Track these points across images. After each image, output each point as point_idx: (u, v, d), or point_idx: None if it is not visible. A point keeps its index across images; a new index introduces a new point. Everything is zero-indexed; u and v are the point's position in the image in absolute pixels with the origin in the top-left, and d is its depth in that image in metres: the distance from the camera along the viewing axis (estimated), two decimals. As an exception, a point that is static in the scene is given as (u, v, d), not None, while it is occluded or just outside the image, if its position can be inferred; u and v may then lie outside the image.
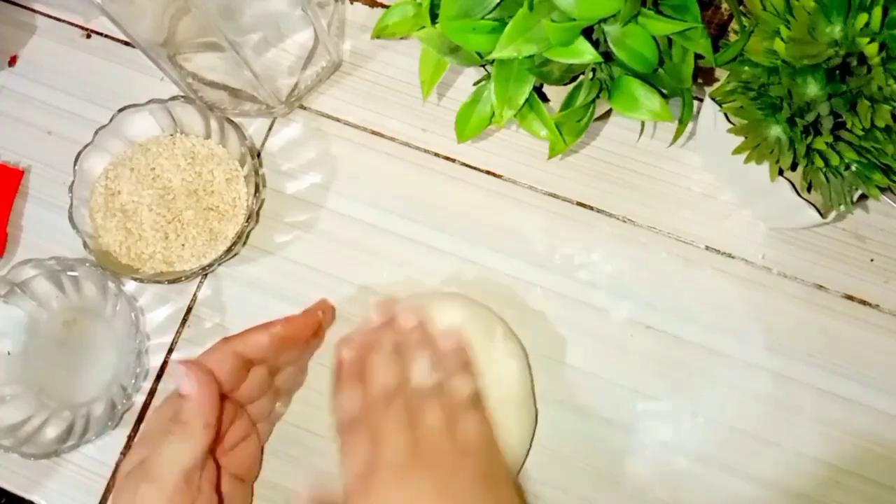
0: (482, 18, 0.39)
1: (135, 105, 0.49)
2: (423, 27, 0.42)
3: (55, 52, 0.55)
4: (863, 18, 0.34)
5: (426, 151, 0.51)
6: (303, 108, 0.52)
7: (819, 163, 0.39)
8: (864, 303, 0.48)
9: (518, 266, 0.49)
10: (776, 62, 0.38)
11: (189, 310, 0.50)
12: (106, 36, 0.55)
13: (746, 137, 0.41)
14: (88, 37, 0.55)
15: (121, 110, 0.49)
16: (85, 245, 0.47)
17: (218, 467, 0.42)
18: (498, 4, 0.39)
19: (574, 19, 0.37)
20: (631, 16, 0.37)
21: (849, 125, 0.37)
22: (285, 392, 0.47)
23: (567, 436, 0.46)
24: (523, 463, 0.45)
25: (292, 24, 0.49)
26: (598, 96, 0.41)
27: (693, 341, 0.47)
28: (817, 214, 0.42)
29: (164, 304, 0.50)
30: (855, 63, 0.35)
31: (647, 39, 0.38)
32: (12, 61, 0.55)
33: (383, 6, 0.54)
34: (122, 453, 0.48)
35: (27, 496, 0.48)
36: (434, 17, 0.41)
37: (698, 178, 0.50)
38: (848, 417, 0.46)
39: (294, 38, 0.50)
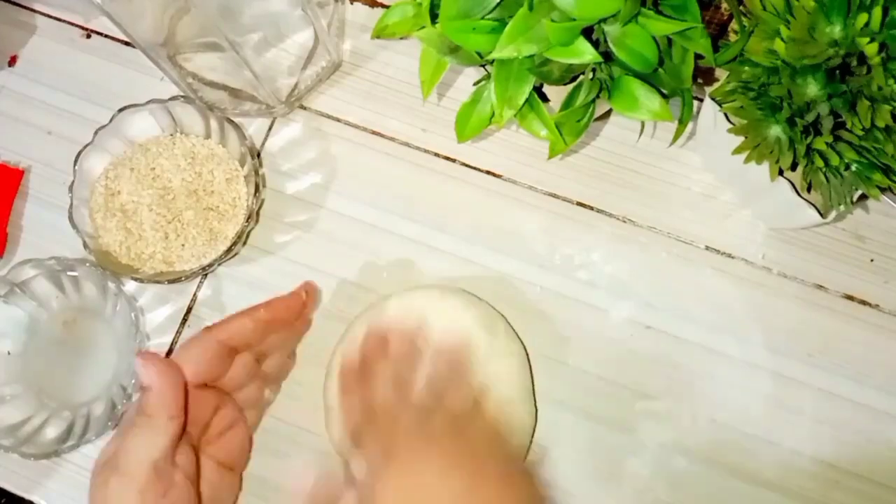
0: (482, 18, 0.39)
1: (135, 105, 0.49)
2: (423, 27, 0.42)
3: (55, 52, 0.55)
4: (863, 18, 0.34)
5: (426, 151, 0.51)
6: (303, 108, 0.52)
7: (819, 163, 0.39)
8: (864, 303, 0.48)
9: (518, 266, 0.49)
10: (776, 62, 0.38)
11: (189, 310, 0.50)
12: (106, 36, 0.55)
13: (746, 137, 0.41)
14: (88, 37, 0.55)
15: (121, 110, 0.49)
16: (85, 245, 0.47)
17: (200, 457, 0.42)
18: (498, 4, 0.39)
19: (574, 19, 0.37)
20: (631, 16, 0.37)
21: (849, 125, 0.37)
22: (274, 378, 0.47)
23: (567, 436, 0.46)
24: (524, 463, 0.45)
25: (292, 24, 0.49)
26: (598, 96, 0.41)
27: (693, 341, 0.47)
28: (817, 214, 0.42)
29: (164, 304, 0.50)
30: (855, 63, 0.35)
31: (647, 39, 0.38)
32: (12, 61, 0.55)
33: (383, 6, 0.54)
34: (122, 453, 0.48)
35: (27, 496, 0.48)
36: (434, 17, 0.41)
37: (698, 178, 0.50)
38: (848, 417, 0.46)
39: (294, 38, 0.50)
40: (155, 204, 0.49)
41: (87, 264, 0.48)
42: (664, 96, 0.40)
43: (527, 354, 0.46)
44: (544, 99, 0.44)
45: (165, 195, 0.49)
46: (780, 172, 0.41)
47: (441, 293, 0.47)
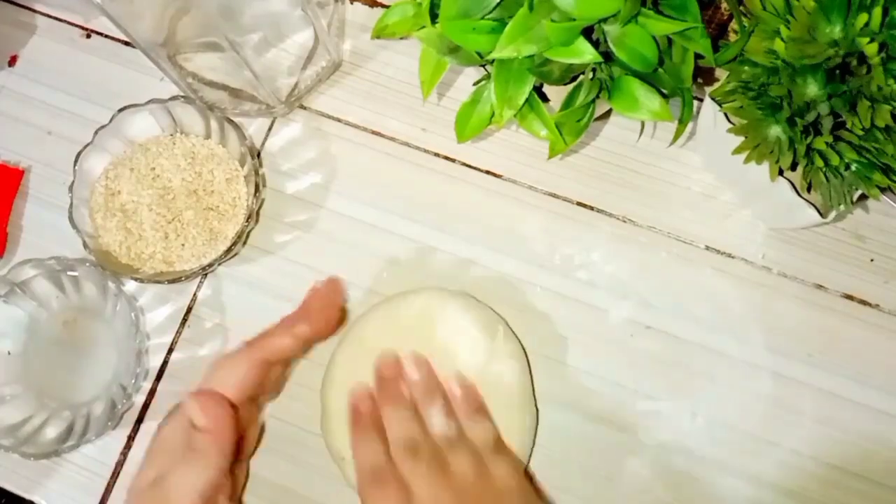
0: (482, 18, 0.39)
1: (135, 105, 0.49)
2: (423, 27, 0.42)
3: (55, 52, 0.55)
4: (863, 18, 0.34)
5: (426, 151, 0.51)
6: (303, 108, 0.52)
7: (819, 163, 0.39)
8: (864, 303, 0.48)
9: (518, 266, 0.49)
10: (776, 62, 0.38)
11: (189, 310, 0.50)
12: (106, 36, 0.55)
13: (746, 137, 0.41)
14: (88, 37, 0.55)
15: (121, 110, 0.49)
16: (85, 245, 0.47)
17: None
18: (498, 4, 0.39)
19: (574, 19, 0.37)
20: (631, 16, 0.37)
21: (849, 125, 0.37)
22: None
23: (567, 436, 0.46)
24: (527, 464, 0.45)
25: (292, 24, 0.49)
26: (598, 96, 0.41)
27: (693, 341, 0.47)
28: (817, 214, 0.42)
29: (164, 304, 0.50)
30: (855, 63, 0.35)
31: (647, 39, 0.38)
32: (12, 61, 0.55)
33: (383, 6, 0.54)
34: (121, 453, 0.48)
35: (27, 496, 0.48)
36: (434, 17, 0.41)
37: (698, 178, 0.50)
38: (848, 417, 0.46)
39: (294, 38, 0.50)
40: (155, 204, 0.49)
41: (87, 264, 0.48)
42: (664, 96, 0.40)
43: (527, 357, 0.46)
44: (544, 99, 0.44)
45: (165, 195, 0.49)
46: (780, 172, 0.41)
47: (440, 295, 0.47)
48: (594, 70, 0.41)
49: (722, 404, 0.46)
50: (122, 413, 0.47)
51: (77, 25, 0.55)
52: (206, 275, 0.50)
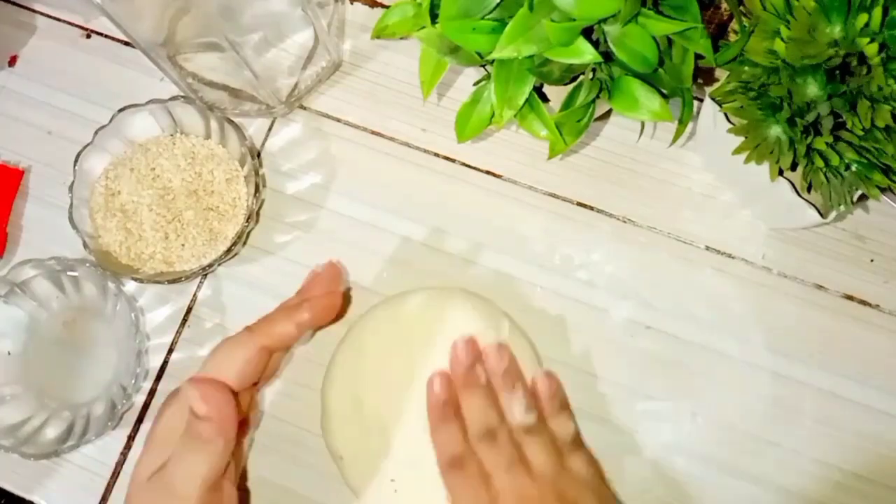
0: (482, 18, 0.39)
1: (135, 105, 0.49)
2: (423, 27, 0.42)
3: (55, 52, 0.55)
4: (863, 18, 0.34)
5: (426, 151, 0.51)
6: (303, 108, 0.52)
7: (819, 163, 0.39)
8: (864, 303, 0.48)
9: (518, 266, 0.49)
10: (776, 62, 0.38)
11: (189, 310, 0.50)
12: (106, 36, 0.55)
13: (746, 137, 0.41)
14: (88, 37, 0.55)
15: (121, 110, 0.49)
16: (85, 245, 0.47)
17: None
18: (498, 4, 0.39)
19: (574, 19, 0.37)
20: (631, 16, 0.37)
21: (849, 125, 0.37)
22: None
23: (567, 436, 0.46)
24: None
25: (292, 24, 0.49)
26: (598, 96, 0.41)
27: (693, 341, 0.47)
28: (817, 214, 0.42)
29: (164, 304, 0.50)
30: (855, 63, 0.35)
31: (647, 39, 0.38)
32: (12, 61, 0.55)
33: (383, 6, 0.54)
34: (121, 453, 0.48)
35: (27, 496, 0.48)
36: (434, 17, 0.41)
37: (698, 178, 0.50)
38: (848, 417, 0.46)
39: (294, 38, 0.50)
40: (155, 204, 0.49)
41: (87, 264, 0.48)
42: (664, 96, 0.40)
43: (534, 350, 0.46)
44: (544, 99, 0.44)
45: (165, 195, 0.49)
46: (780, 172, 0.41)
47: (440, 293, 0.47)
48: (594, 70, 0.41)
49: (722, 404, 0.46)
50: (122, 413, 0.47)
51: (77, 25, 0.55)
52: (206, 275, 0.50)
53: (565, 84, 0.41)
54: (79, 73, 0.54)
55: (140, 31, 0.43)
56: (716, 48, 0.40)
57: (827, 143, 0.38)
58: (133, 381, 0.47)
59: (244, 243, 0.50)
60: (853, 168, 0.39)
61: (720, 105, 0.42)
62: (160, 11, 0.43)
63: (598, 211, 0.50)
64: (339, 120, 0.52)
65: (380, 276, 0.49)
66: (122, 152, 0.50)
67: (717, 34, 0.50)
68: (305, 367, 0.48)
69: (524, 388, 0.43)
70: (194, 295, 0.50)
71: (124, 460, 0.48)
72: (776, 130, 0.39)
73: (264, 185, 0.51)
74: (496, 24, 0.39)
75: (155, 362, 0.49)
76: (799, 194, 0.42)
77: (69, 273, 0.48)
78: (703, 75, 0.50)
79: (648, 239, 0.49)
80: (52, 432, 0.46)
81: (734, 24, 0.49)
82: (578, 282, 0.49)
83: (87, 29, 0.55)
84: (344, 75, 0.53)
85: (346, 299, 0.48)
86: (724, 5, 0.50)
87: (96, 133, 0.48)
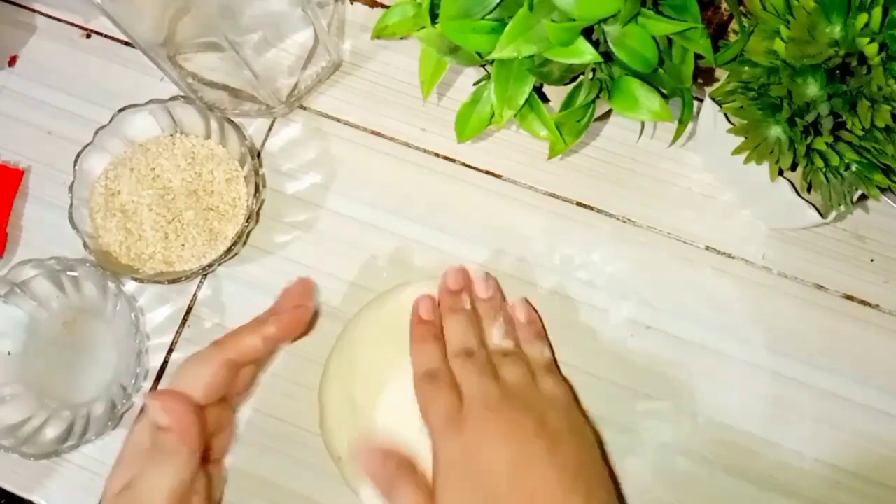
0: (482, 18, 0.39)
1: (135, 105, 0.49)
2: (423, 27, 0.42)
3: (55, 52, 0.55)
4: (863, 18, 0.34)
5: (426, 151, 0.51)
6: (303, 108, 0.52)
7: (819, 163, 0.39)
8: (864, 303, 0.48)
9: (518, 266, 0.49)
10: (776, 62, 0.38)
11: (189, 310, 0.50)
12: (106, 36, 0.55)
13: (746, 137, 0.41)
14: (88, 37, 0.55)
15: (121, 110, 0.49)
16: (85, 245, 0.47)
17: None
18: (498, 4, 0.39)
19: (574, 19, 0.37)
20: (631, 16, 0.37)
21: (849, 125, 0.37)
22: (259, 373, 0.48)
23: (567, 436, 0.46)
24: None
25: (292, 24, 0.49)
26: (598, 96, 0.41)
27: (693, 341, 0.47)
28: (817, 214, 0.42)
29: (164, 304, 0.50)
30: (855, 63, 0.35)
31: (647, 39, 0.38)
32: (12, 61, 0.55)
33: (383, 6, 0.54)
34: (122, 453, 0.48)
35: (27, 496, 0.48)
36: (434, 17, 0.41)
37: (698, 178, 0.50)
38: (848, 417, 0.46)
39: (294, 38, 0.50)
40: (155, 204, 0.49)
41: (87, 264, 0.48)
42: (664, 96, 0.40)
43: None
44: (544, 99, 0.44)
45: (165, 195, 0.49)
46: (780, 172, 0.41)
47: (429, 284, 0.47)
48: (594, 70, 0.41)
49: (722, 404, 0.46)
50: (122, 413, 0.47)
51: (77, 25, 0.55)
52: (206, 275, 0.50)
53: (565, 84, 0.41)
54: (79, 73, 0.54)
55: (140, 31, 0.43)
56: (716, 48, 0.40)
57: (827, 143, 0.38)
58: (133, 381, 0.47)
59: (244, 243, 0.50)
60: (853, 168, 0.39)
61: (720, 105, 0.42)
62: (160, 11, 0.43)
63: (598, 211, 0.50)
64: (339, 120, 0.52)
65: (379, 276, 0.49)
66: (122, 152, 0.50)
67: (717, 34, 0.50)
68: (305, 366, 0.48)
69: (505, 316, 0.45)
70: (194, 295, 0.50)
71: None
72: (776, 130, 0.39)
73: (264, 185, 0.51)
74: (496, 24, 0.39)
75: (155, 362, 0.49)
76: (799, 194, 0.42)
77: (69, 273, 0.48)
78: (703, 75, 0.50)
79: (648, 239, 0.49)
80: (52, 432, 0.46)
81: (734, 24, 0.49)
82: (578, 282, 0.49)
83: (87, 29, 0.55)
84: (344, 75, 0.53)
85: (314, 314, 0.48)
86: (724, 5, 0.50)
87: (96, 133, 0.48)
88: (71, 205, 0.47)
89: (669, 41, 0.40)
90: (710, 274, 0.48)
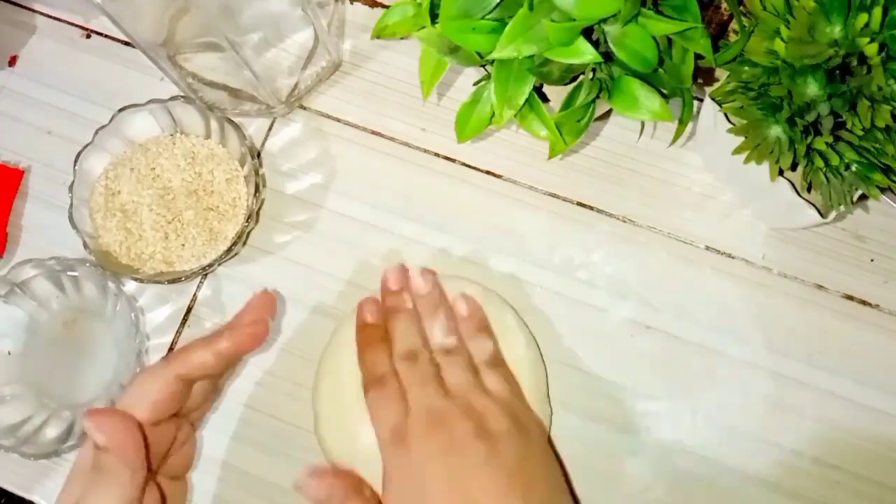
0: (482, 18, 0.39)
1: (135, 105, 0.49)
2: (423, 27, 0.42)
3: (55, 52, 0.55)
4: (863, 18, 0.34)
5: (426, 151, 0.51)
6: (303, 108, 0.52)
7: (819, 163, 0.39)
8: (864, 303, 0.48)
9: (518, 266, 0.49)
10: (776, 62, 0.38)
11: (189, 310, 0.50)
12: (106, 36, 0.55)
13: (746, 137, 0.41)
14: (88, 37, 0.55)
15: (121, 110, 0.49)
16: (85, 245, 0.47)
17: (155, 474, 0.41)
18: (498, 4, 0.39)
19: (574, 19, 0.37)
20: (631, 16, 0.37)
21: (849, 125, 0.37)
22: (222, 385, 0.48)
23: (567, 436, 0.46)
24: (548, 432, 0.45)
25: (292, 24, 0.49)
26: (598, 96, 0.41)
27: (693, 341, 0.47)
28: (817, 214, 0.42)
29: (164, 304, 0.50)
30: (855, 63, 0.35)
31: (647, 39, 0.38)
32: (12, 61, 0.55)
33: (383, 6, 0.54)
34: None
35: (27, 496, 0.48)
36: (434, 17, 0.41)
37: (698, 178, 0.50)
38: (848, 417, 0.46)
39: (294, 38, 0.50)
40: (155, 204, 0.49)
41: (87, 264, 0.48)
42: (664, 96, 0.40)
43: (538, 347, 0.46)
44: (544, 99, 0.44)
45: (165, 195, 0.49)
46: (780, 172, 0.41)
47: (453, 279, 0.47)
48: (594, 70, 0.41)
49: (722, 404, 0.46)
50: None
51: (77, 25, 0.55)
52: (206, 275, 0.50)
53: (565, 84, 0.41)
54: (79, 73, 0.54)
55: (140, 31, 0.43)
56: (716, 48, 0.40)
57: (827, 143, 0.38)
58: (133, 382, 0.47)
59: (244, 243, 0.50)
60: (853, 168, 0.39)
61: (720, 105, 0.42)
62: (160, 11, 0.43)
63: (598, 211, 0.50)
64: (339, 120, 0.52)
65: (379, 276, 0.49)
66: (122, 152, 0.50)
67: (717, 34, 0.50)
68: (305, 366, 0.48)
69: (446, 312, 0.45)
70: (194, 295, 0.50)
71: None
72: (776, 130, 0.39)
73: (264, 185, 0.51)
74: (496, 24, 0.39)
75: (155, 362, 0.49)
76: (799, 194, 0.42)
77: (69, 273, 0.48)
78: (703, 75, 0.50)
79: (648, 239, 0.49)
80: (52, 432, 0.46)
81: (734, 24, 0.49)
82: (578, 282, 0.49)
83: (87, 29, 0.55)
84: (344, 75, 0.53)
85: (274, 312, 0.47)
86: (724, 5, 0.50)
87: (96, 133, 0.48)
88: (71, 205, 0.47)
89: (669, 41, 0.40)
90: (710, 274, 0.48)
